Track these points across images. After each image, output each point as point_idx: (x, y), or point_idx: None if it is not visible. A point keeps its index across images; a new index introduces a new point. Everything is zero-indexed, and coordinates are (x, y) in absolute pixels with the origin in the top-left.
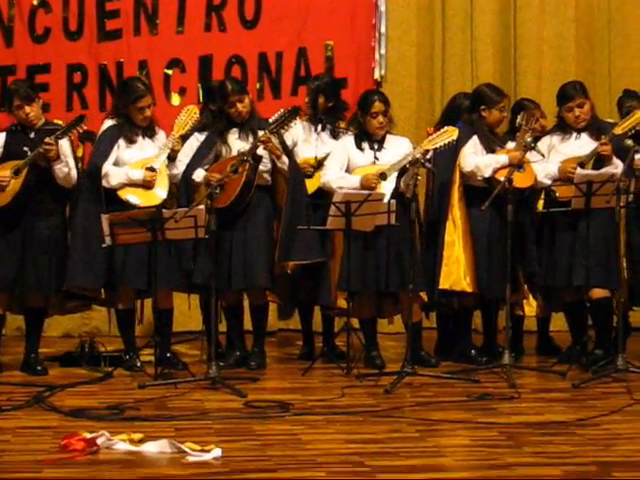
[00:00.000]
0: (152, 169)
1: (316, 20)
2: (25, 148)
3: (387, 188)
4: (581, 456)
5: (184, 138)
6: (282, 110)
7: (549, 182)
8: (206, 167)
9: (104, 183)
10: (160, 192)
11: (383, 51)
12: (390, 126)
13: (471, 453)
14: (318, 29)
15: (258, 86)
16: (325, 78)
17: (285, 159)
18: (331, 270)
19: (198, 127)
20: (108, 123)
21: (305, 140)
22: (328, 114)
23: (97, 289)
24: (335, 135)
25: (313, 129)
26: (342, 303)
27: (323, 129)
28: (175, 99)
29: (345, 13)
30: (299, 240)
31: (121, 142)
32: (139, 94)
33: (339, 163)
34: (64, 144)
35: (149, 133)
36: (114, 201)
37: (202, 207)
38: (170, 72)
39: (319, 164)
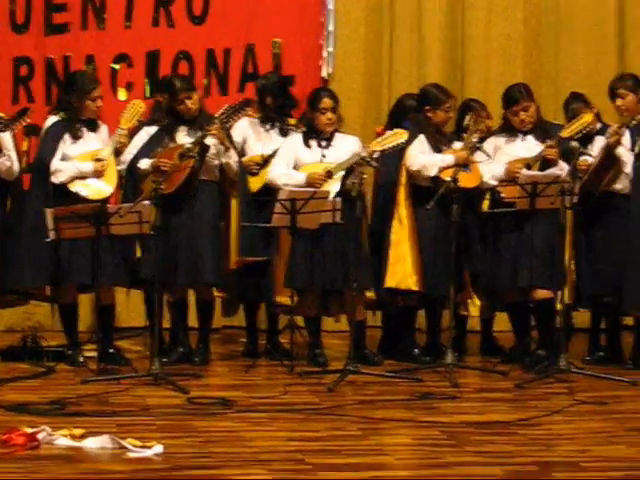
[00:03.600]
0: (100, 159)
1: (264, 17)
2: None
3: (333, 187)
4: (522, 456)
5: (131, 132)
6: (227, 106)
7: (495, 183)
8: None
9: (54, 179)
10: (109, 184)
11: (331, 49)
12: (339, 124)
13: (413, 452)
14: (266, 26)
15: (205, 82)
16: (273, 77)
17: (232, 152)
18: (277, 267)
19: (148, 121)
20: (52, 119)
21: (254, 137)
22: (277, 112)
23: (43, 287)
24: (284, 133)
25: (262, 127)
26: (286, 300)
27: (272, 127)
28: (122, 94)
29: (293, 11)
30: (250, 237)
31: (66, 137)
32: (93, 85)
33: (286, 160)
34: (6, 137)
35: (92, 127)
36: (63, 196)
37: (147, 202)
38: (117, 67)
39: (266, 162)
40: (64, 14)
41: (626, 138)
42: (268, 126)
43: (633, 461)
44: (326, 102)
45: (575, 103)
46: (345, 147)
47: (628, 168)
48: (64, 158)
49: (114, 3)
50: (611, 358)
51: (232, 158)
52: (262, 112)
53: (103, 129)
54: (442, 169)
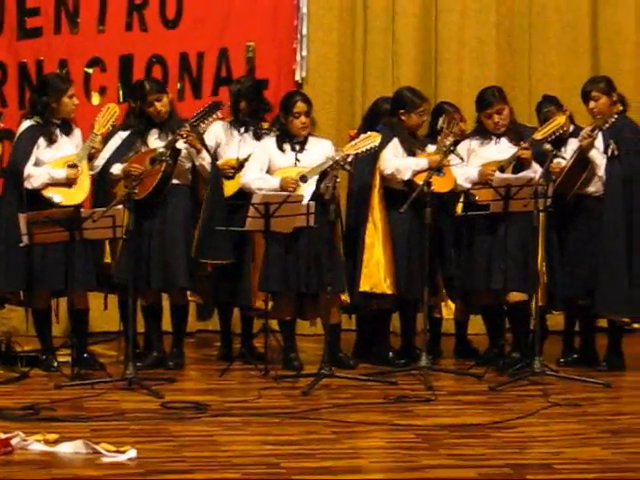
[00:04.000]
0: (74, 166)
1: (238, 21)
2: None
3: (307, 190)
4: (496, 458)
5: (106, 136)
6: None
7: (468, 185)
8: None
9: (27, 185)
10: (83, 190)
11: (305, 53)
12: (312, 128)
13: (387, 455)
14: (240, 30)
15: (179, 86)
16: (247, 81)
17: (205, 154)
18: (252, 271)
19: (122, 126)
20: (26, 124)
21: (227, 141)
22: (250, 116)
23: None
24: (258, 136)
25: (236, 130)
26: (260, 304)
27: (246, 131)
28: (95, 98)
29: (267, 14)
30: (213, 240)
31: (41, 142)
32: (68, 84)
33: (259, 164)
34: None
35: (66, 130)
36: (37, 201)
37: (120, 207)
38: (90, 71)
39: (240, 165)
40: (37, 18)
41: (599, 141)
42: (242, 130)
43: (607, 463)
44: (300, 106)
45: (548, 106)
46: (319, 151)
47: (601, 171)
48: (38, 163)
49: (87, 7)
50: (585, 360)
51: (205, 160)
52: (236, 116)
53: (77, 133)
54: (416, 173)
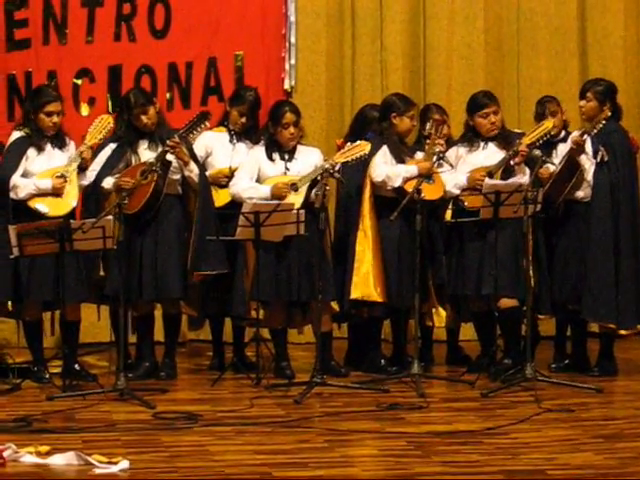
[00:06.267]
0: (61, 176)
1: (226, 30)
2: None
3: (297, 199)
4: (489, 465)
5: (97, 148)
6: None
7: (458, 192)
8: (116, 176)
9: (12, 195)
10: (70, 201)
11: (293, 61)
12: (301, 137)
13: (379, 463)
14: (228, 39)
15: (168, 96)
16: (256, 94)
17: (193, 166)
18: (244, 280)
19: (113, 137)
20: (16, 135)
21: (220, 150)
22: (246, 132)
23: (4, 302)
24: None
25: (228, 139)
26: (253, 313)
27: (239, 140)
28: (84, 109)
29: (255, 23)
30: (207, 251)
31: (30, 153)
32: (47, 99)
33: (249, 173)
34: None
35: (59, 143)
36: (23, 212)
37: (110, 218)
38: (79, 82)
39: (233, 174)
40: (25, 30)
41: (587, 146)
42: (234, 139)
43: (599, 468)
44: (288, 117)
45: (550, 101)
46: (308, 160)
47: (589, 176)
48: (26, 174)
49: (75, 18)
50: (577, 366)
51: (193, 172)
52: (249, 125)
53: (71, 146)
54: (406, 180)
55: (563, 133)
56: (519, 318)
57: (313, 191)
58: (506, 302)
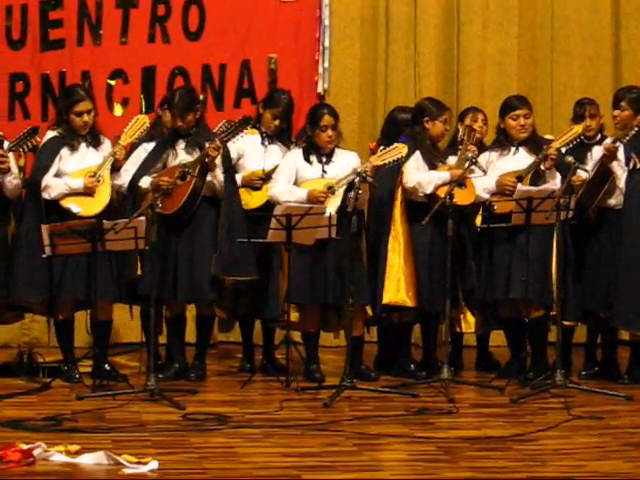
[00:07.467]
0: (94, 175)
1: (260, 33)
2: None
3: (334, 202)
4: (517, 471)
5: (131, 148)
6: (224, 121)
7: (487, 196)
8: (153, 175)
9: (45, 195)
10: (103, 200)
11: (327, 65)
12: (339, 140)
13: (408, 467)
14: (262, 42)
15: (201, 98)
16: (290, 97)
17: (218, 173)
18: (279, 283)
19: (146, 138)
20: (50, 134)
21: (252, 152)
22: (280, 134)
23: (41, 302)
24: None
25: (261, 141)
26: (294, 316)
27: (271, 142)
28: (118, 110)
29: (289, 26)
30: (236, 256)
31: (63, 153)
32: (76, 98)
33: (287, 176)
34: (11, 155)
35: (94, 142)
36: (56, 211)
37: (142, 218)
38: (113, 83)
39: (267, 176)
40: (60, 30)
41: (620, 153)
42: (266, 141)
43: (628, 476)
44: (327, 119)
45: (589, 102)
46: (345, 163)
47: (622, 183)
48: (60, 174)
49: (110, 19)
50: (607, 373)
51: (216, 178)
52: (284, 124)
53: (106, 145)
54: (438, 186)
55: (599, 136)
56: (546, 327)
57: (348, 195)
58: (536, 312)
